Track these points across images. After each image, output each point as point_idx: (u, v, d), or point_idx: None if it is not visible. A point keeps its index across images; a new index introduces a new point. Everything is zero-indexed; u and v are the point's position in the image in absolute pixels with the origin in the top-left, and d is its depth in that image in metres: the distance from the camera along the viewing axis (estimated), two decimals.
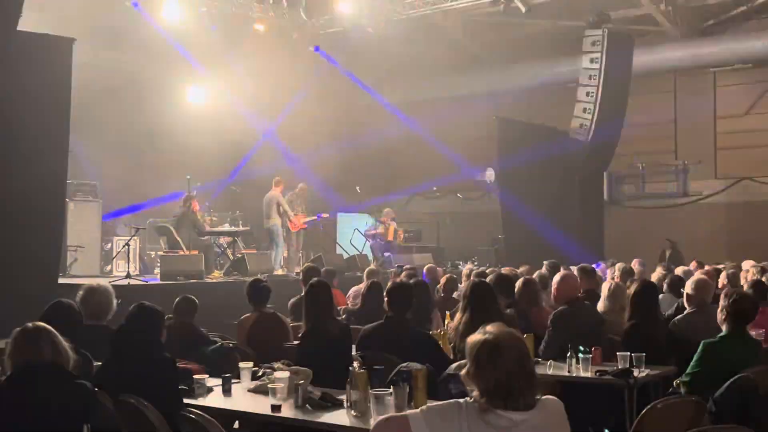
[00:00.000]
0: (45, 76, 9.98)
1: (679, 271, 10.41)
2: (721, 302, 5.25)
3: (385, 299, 5.64)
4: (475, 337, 2.95)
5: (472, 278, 8.18)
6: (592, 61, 16.48)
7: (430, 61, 21.07)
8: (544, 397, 3.00)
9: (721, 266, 11.28)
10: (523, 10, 15.61)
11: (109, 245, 14.30)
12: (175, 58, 16.56)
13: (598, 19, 16.25)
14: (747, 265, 12.11)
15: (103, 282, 6.52)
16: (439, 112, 22.05)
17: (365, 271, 9.97)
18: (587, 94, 16.50)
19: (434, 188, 20.52)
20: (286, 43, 17.59)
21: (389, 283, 5.88)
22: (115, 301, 6.08)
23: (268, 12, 16.34)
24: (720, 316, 5.14)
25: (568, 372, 5.53)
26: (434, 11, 17.89)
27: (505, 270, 9.14)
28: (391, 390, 4.23)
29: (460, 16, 19.93)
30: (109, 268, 13.94)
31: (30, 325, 3.48)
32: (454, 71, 21.17)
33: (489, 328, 2.97)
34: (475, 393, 2.95)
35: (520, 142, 16.51)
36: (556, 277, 6.46)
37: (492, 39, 21.44)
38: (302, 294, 7.99)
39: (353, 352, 5.54)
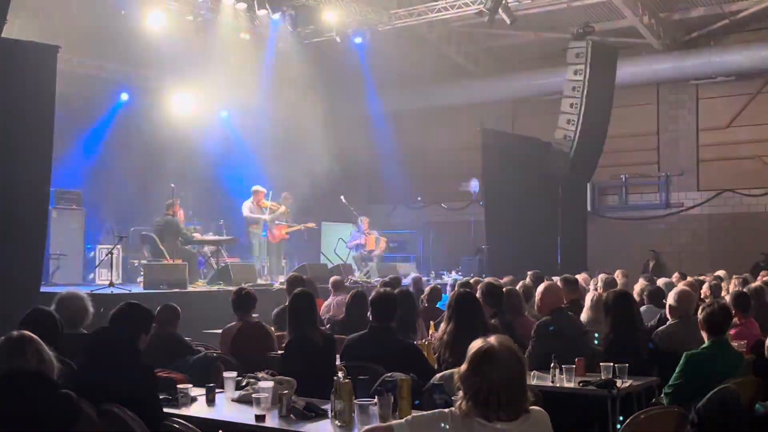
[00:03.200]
0: (29, 84, 9.94)
1: (660, 282, 10.46)
2: (699, 315, 5.31)
3: (370, 309, 5.64)
4: (476, 342, 3.02)
5: (456, 288, 8.20)
6: (575, 72, 16.55)
7: (415, 72, 21.13)
8: (530, 408, 3.03)
9: (703, 277, 11.35)
10: (508, 22, 15.66)
11: (92, 253, 14.25)
12: (160, 65, 16.55)
13: (582, 31, 16.34)
14: (722, 273, 12.24)
15: (78, 290, 6.49)
16: (424, 122, 22.13)
17: (330, 282, 9.95)
18: (571, 105, 16.57)
19: (419, 198, 20.54)
20: (270, 52, 17.57)
21: (373, 293, 5.88)
22: (90, 309, 6.03)
23: (253, 21, 16.32)
24: (700, 327, 5.18)
25: (552, 382, 5.54)
26: (419, 22, 17.93)
27: (489, 280, 9.16)
28: (375, 400, 4.24)
29: (445, 28, 20.02)
30: (91, 276, 13.88)
31: (14, 333, 3.46)
32: (439, 82, 21.26)
33: (492, 338, 3.04)
34: (461, 394, 3.01)
35: (505, 153, 16.58)
36: (540, 288, 6.48)
37: (477, 50, 21.55)
38: (286, 303, 8.08)
39: (337, 362, 5.54)
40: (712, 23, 18.67)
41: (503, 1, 15.25)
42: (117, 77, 16.63)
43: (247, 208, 14.66)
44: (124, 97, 16.80)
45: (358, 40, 17.46)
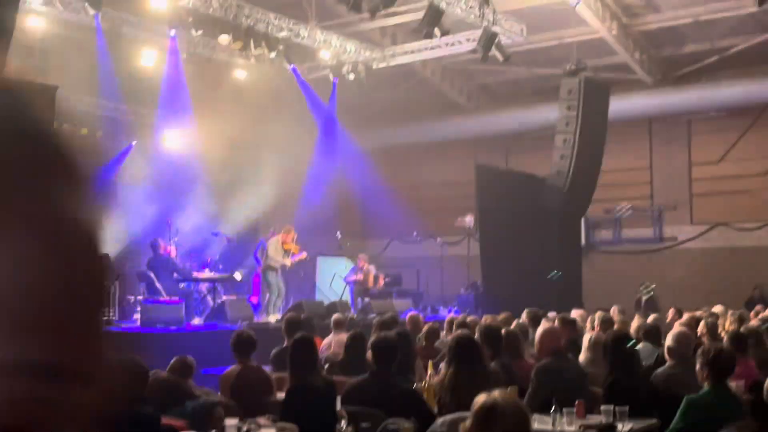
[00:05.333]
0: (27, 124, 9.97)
1: (650, 319, 10.48)
2: (699, 359, 5.33)
3: (371, 353, 5.66)
4: (480, 398, 3.04)
5: (455, 330, 8.23)
6: (568, 108, 16.68)
7: (409, 108, 21.30)
8: None
9: (698, 313, 11.37)
10: (501, 59, 15.83)
11: None
12: (153, 102, 16.67)
13: (575, 68, 16.51)
14: (719, 309, 12.26)
15: None
16: (419, 157, 22.25)
17: (332, 320, 9.94)
18: (564, 141, 16.69)
19: (414, 233, 20.61)
20: (266, 89, 17.71)
21: (374, 337, 5.90)
22: None
23: (249, 59, 16.46)
24: (700, 372, 5.21)
25: (553, 426, 5.55)
26: (414, 60, 18.14)
27: (487, 319, 9.18)
28: None
29: (438, 64, 20.21)
30: None
31: None
32: (433, 117, 21.41)
33: (497, 392, 3.06)
34: None
35: (500, 189, 16.66)
36: (539, 331, 6.52)
37: (470, 86, 21.74)
38: (284, 345, 8.09)
39: (338, 406, 5.55)
40: (702, 59, 18.87)
41: (496, 39, 15.42)
42: (114, 115, 16.69)
43: (273, 247, 14.57)
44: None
45: (351, 77, 17.61)
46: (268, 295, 14.52)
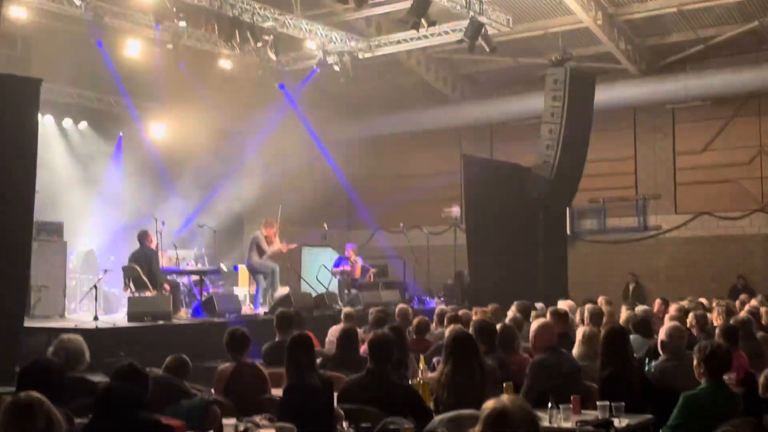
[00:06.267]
0: (12, 117, 9.89)
1: (639, 310, 10.54)
2: (696, 355, 5.35)
3: (368, 351, 5.64)
4: (489, 402, 3.01)
5: (447, 324, 8.23)
6: (554, 98, 16.67)
7: (394, 98, 21.26)
8: None
9: (685, 304, 11.43)
10: (488, 49, 15.80)
11: (74, 284, 14.12)
12: (138, 94, 16.56)
13: (560, 57, 16.49)
14: (704, 300, 12.35)
15: (74, 333, 6.44)
16: (404, 148, 22.23)
17: (342, 314, 9.94)
18: (550, 131, 16.68)
19: (400, 223, 20.61)
20: (251, 79, 17.62)
21: (371, 335, 5.89)
22: (87, 352, 6.02)
23: (234, 49, 16.36)
24: (697, 369, 5.23)
25: (549, 422, 5.56)
26: (399, 50, 18.09)
27: (478, 313, 9.20)
28: None
29: (423, 54, 20.17)
30: (73, 307, 13.77)
31: (23, 395, 3.42)
32: (418, 108, 21.37)
33: (505, 397, 3.03)
34: None
35: (486, 180, 16.64)
36: (534, 326, 6.52)
37: (455, 76, 21.71)
38: (276, 340, 8.06)
39: (335, 404, 5.54)
40: (687, 48, 18.93)
41: (482, 30, 15.39)
42: (97, 106, 16.55)
43: (264, 242, 14.38)
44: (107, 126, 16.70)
45: (337, 67, 17.54)
46: (262, 288, 14.41)
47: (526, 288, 14.57)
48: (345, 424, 4.37)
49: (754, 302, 11.86)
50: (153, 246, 13.23)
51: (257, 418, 5.32)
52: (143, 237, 13.09)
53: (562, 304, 10.92)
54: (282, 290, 14.47)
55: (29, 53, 15.26)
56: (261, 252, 14.30)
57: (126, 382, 4.51)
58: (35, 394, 3.44)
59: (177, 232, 16.05)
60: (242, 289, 15.95)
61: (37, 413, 3.37)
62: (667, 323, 7.04)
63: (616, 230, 20.54)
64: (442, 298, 16.90)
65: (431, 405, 5.71)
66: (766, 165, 19.09)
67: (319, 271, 17.12)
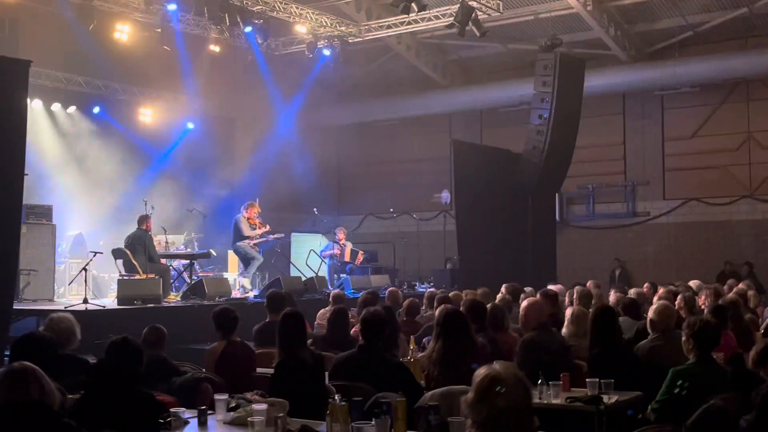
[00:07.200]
0: (1, 99, 9.84)
1: (632, 293, 10.59)
2: (685, 331, 5.39)
3: (360, 328, 5.66)
4: (482, 370, 3.04)
5: (439, 305, 8.24)
6: (544, 84, 16.70)
7: (384, 83, 21.24)
8: None
9: (673, 287, 11.49)
10: (478, 34, 15.80)
11: (63, 268, 14.09)
12: (128, 77, 16.50)
13: (550, 43, 16.50)
14: (694, 284, 12.41)
15: (65, 311, 6.45)
16: (393, 133, 22.23)
17: (331, 295, 9.98)
18: (540, 116, 16.71)
19: (390, 209, 20.60)
20: (240, 63, 17.57)
21: (363, 312, 5.90)
22: (78, 332, 6.03)
23: (223, 33, 16.31)
24: (686, 344, 5.27)
25: (539, 399, 5.59)
26: (389, 35, 18.07)
27: (469, 294, 9.23)
28: (372, 422, 4.26)
29: (413, 39, 20.14)
30: (62, 291, 13.73)
31: (16, 365, 3.43)
32: (408, 93, 21.37)
33: (497, 364, 3.05)
34: (468, 422, 3.03)
35: (476, 165, 16.67)
36: (524, 304, 6.56)
37: (445, 61, 21.69)
38: (267, 320, 8.08)
39: (327, 381, 5.56)
40: (676, 35, 18.98)
41: (473, 14, 15.38)
42: (86, 90, 16.46)
43: (246, 226, 14.32)
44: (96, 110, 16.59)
45: (327, 52, 17.51)
46: (248, 271, 14.41)
47: (515, 273, 14.58)
48: (337, 398, 4.37)
49: (741, 286, 11.94)
50: (149, 230, 13.23)
51: (248, 395, 5.33)
52: (142, 221, 13.08)
53: (554, 288, 10.97)
54: (245, 281, 14.47)
55: (17, 37, 15.16)
56: (241, 236, 14.27)
57: (121, 356, 4.51)
58: (28, 364, 3.46)
59: (166, 216, 16.01)
60: (232, 274, 15.92)
61: (30, 381, 3.38)
62: (656, 302, 7.08)
63: (605, 216, 20.62)
64: (431, 284, 16.92)
65: (422, 382, 5.74)
66: (754, 151, 19.18)
67: (309, 255, 17.12)
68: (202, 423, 4.85)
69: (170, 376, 6.04)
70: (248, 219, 14.41)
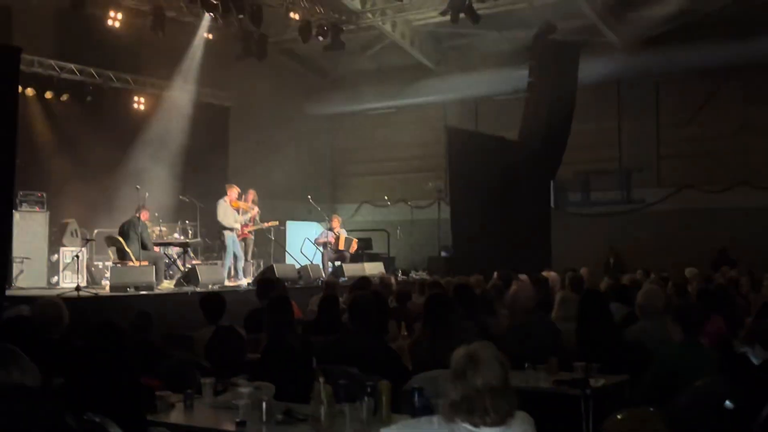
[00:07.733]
0: None
1: (625, 280, 10.61)
2: (671, 314, 5.41)
3: (347, 312, 5.67)
4: (460, 349, 3.05)
5: (428, 291, 8.27)
6: (539, 71, 16.69)
7: (378, 70, 21.20)
8: (516, 412, 3.07)
9: (666, 274, 11.54)
10: (472, 22, 15.76)
11: (56, 256, 14.08)
12: (123, 64, 16.45)
13: (545, 30, 16.48)
14: (689, 272, 12.45)
15: (53, 296, 6.45)
16: (388, 121, 22.21)
17: (323, 282, 9.99)
18: (535, 103, 16.72)
19: (385, 197, 20.59)
20: (234, 51, 17.53)
21: (351, 297, 5.91)
22: (66, 317, 6.02)
23: (216, 20, 16.26)
24: (672, 327, 5.28)
25: (527, 383, 5.61)
26: (383, 22, 18.02)
27: (459, 279, 9.22)
28: (357, 404, 4.26)
29: (408, 27, 20.08)
30: (55, 279, 13.73)
31: None
32: (403, 80, 21.32)
33: (475, 343, 3.06)
34: (448, 401, 3.04)
35: (470, 152, 16.65)
36: (513, 289, 6.56)
37: (439, 49, 21.64)
38: (257, 307, 8.07)
39: (314, 365, 5.56)
40: (672, 21, 18.90)
41: (467, 2, 15.34)
42: (80, 78, 16.41)
43: (222, 210, 13.87)
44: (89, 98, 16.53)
45: (321, 39, 17.46)
46: (230, 259, 14.17)
47: (511, 260, 14.60)
48: (321, 380, 4.37)
49: (733, 272, 11.97)
50: (141, 217, 13.21)
51: (236, 379, 5.34)
52: (138, 209, 13.06)
53: (547, 275, 11.01)
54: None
55: (9, 25, 15.10)
56: (221, 224, 13.97)
57: (104, 340, 4.51)
58: (9, 345, 3.45)
59: (159, 204, 15.98)
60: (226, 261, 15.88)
61: (10, 363, 3.37)
62: (644, 286, 7.09)
63: (600, 203, 20.61)
64: (426, 272, 16.93)
65: (409, 366, 5.75)
66: (749, 138, 19.16)
67: (303, 244, 17.12)
68: (189, 406, 4.85)
69: (159, 361, 6.04)
70: (230, 202, 14.09)
